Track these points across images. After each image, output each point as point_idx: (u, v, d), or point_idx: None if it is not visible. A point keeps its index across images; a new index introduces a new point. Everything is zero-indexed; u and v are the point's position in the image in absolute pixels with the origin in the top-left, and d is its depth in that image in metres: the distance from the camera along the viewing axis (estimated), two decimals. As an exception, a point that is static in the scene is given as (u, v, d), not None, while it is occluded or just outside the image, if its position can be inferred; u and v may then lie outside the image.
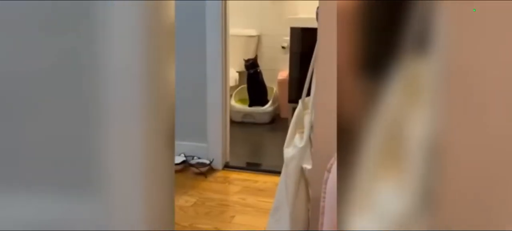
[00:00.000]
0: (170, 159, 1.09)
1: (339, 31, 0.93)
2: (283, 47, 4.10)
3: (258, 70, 4.02)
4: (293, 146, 1.76)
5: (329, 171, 1.34)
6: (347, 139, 0.93)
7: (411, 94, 0.93)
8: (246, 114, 4.01)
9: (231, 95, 4.00)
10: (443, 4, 0.92)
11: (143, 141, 1.01)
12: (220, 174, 2.94)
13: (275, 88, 4.14)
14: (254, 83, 4.03)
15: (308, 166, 1.68)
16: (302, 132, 1.73)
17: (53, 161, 1.00)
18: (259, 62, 4.10)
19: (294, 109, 1.85)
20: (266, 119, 4.02)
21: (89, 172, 1.02)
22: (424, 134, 0.94)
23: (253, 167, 3.07)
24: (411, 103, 0.93)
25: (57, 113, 0.99)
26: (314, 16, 1.59)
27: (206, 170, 2.94)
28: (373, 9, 0.91)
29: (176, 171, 2.87)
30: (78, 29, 0.97)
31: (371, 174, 0.96)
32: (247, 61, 3.99)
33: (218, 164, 3.00)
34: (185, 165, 2.97)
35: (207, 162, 2.97)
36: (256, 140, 3.71)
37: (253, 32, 4.23)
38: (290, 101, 3.73)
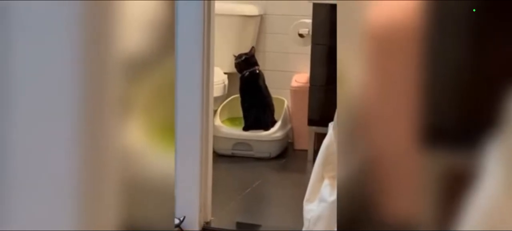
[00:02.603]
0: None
1: (394, 77, 1.05)
2: (301, 36, 4.08)
3: (257, 71, 4.09)
4: (320, 199, 1.81)
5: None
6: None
7: None
8: (239, 143, 4.07)
9: (215, 112, 4.05)
10: None
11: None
12: (195, 242, 2.97)
13: (287, 102, 4.21)
14: (251, 93, 4.09)
15: (344, 233, 1.78)
16: (335, 177, 1.77)
17: None
18: (260, 58, 4.16)
19: (319, 137, 1.96)
20: (272, 151, 4.07)
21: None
22: None
23: (249, 230, 3.13)
24: None
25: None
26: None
27: (172, 236, 2.95)
28: (456, 49, 1.00)
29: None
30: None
31: None
32: (238, 57, 4.07)
33: (192, 224, 3.00)
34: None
35: (175, 221, 2.95)
36: (254, 186, 3.68)
37: (253, 9, 4.28)
38: (312, 123, 3.84)
